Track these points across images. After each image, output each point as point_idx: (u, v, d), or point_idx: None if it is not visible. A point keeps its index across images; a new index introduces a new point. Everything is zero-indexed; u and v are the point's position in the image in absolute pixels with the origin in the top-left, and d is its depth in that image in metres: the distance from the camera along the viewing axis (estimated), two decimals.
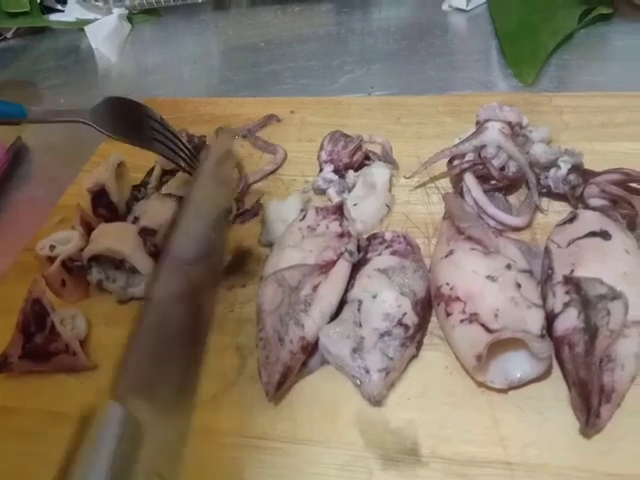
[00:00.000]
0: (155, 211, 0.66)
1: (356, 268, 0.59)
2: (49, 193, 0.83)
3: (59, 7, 1.31)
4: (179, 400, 0.47)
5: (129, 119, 0.67)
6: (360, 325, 0.54)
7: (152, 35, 1.25)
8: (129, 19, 1.26)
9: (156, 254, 0.63)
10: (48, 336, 0.57)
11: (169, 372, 0.47)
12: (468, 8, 1.10)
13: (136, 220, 0.67)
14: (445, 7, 1.13)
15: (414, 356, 0.54)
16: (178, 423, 0.46)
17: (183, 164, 0.69)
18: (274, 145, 0.83)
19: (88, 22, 1.24)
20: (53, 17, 1.30)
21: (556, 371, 0.51)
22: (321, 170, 0.74)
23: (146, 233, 0.63)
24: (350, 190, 0.72)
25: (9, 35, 1.30)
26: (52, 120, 0.67)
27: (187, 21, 1.26)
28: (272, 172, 0.79)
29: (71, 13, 1.29)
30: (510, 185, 0.68)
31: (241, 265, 0.66)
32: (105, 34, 1.20)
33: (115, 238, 0.63)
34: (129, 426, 0.37)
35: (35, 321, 0.58)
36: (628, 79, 0.87)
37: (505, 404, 0.50)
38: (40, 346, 0.57)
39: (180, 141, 0.71)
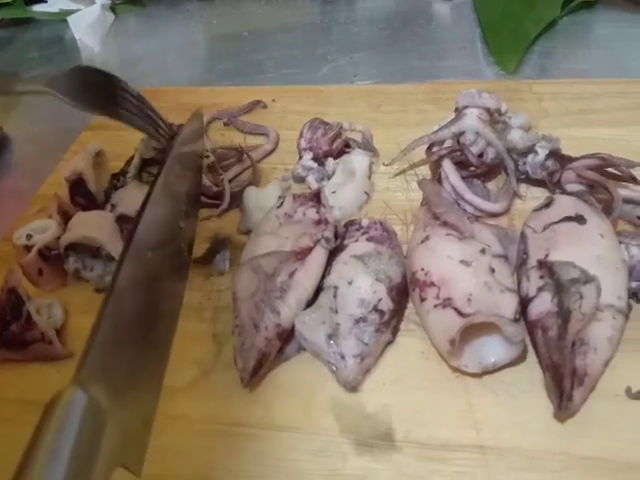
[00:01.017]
0: (132, 198, 0.65)
1: (333, 255, 0.58)
2: (31, 184, 0.82)
3: None
4: (142, 385, 0.47)
5: (97, 90, 0.64)
6: (336, 311, 0.54)
7: (136, 25, 1.25)
8: (112, 9, 1.25)
9: None
10: (24, 325, 0.57)
11: (131, 357, 0.47)
12: None
13: (113, 208, 0.67)
14: None
15: (390, 342, 0.54)
16: (142, 409, 0.46)
17: (154, 133, 0.68)
18: (264, 127, 0.83)
19: (71, 12, 1.23)
20: (36, 8, 1.29)
21: (531, 355, 0.51)
22: (300, 158, 0.73)
23: (123, 221, 0.63)
24: (329, 178, 0.71)
25: None
26: (11, 92, 0.63)
27: (171, 11, 1.25)
28: (271, 152, 0.79)
29: (54, 4, 1.28)
30: (489, 171, 0.68)
31: (220, 252, 0.66)
32: (88, 24, 1.19)
33: (92, 226, 0.63)
34: (92, 412, 0.37)
35: (11, 310, 0.57)
36: (611, 66, 0.87)
37: (480, 389, 0.50)
38: (16, 335, 0.57)
39: (154, 112, 0.69)
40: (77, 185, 0.69)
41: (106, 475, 0.36)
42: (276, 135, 0.81)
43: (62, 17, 1.24)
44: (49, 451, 0.34)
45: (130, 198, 0.66)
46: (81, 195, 0.69)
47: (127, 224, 0.63)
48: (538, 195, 0.65)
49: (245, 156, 0.75)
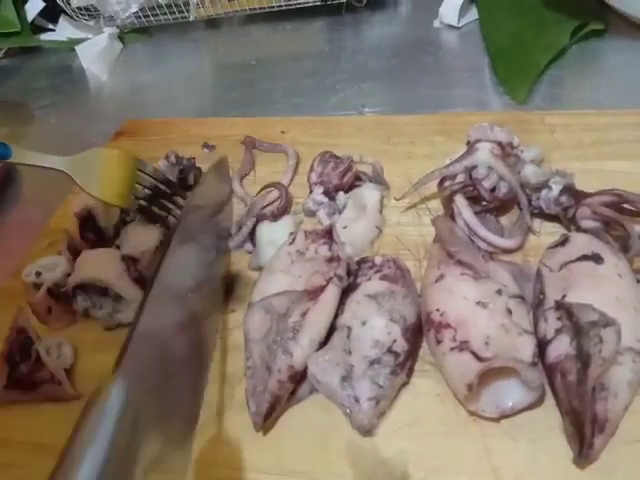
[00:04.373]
0: (137, 238, 0.65)
1: (346, 293, 0.58)
2: (39, 215, 0.82)
3: (50, 26, 1.30)
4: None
5: (112, 173, 0.65)
6: (349, 353, 0.53)
7: (143, 54, 1.25)
8: (120, 38, 1.26)
9: (140, 280, 0.62)
10: (33, 365, 0.57)
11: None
12: (460, 25, 1.10)
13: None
14: (437, 24, 1.12)
15: (405, 383, 0.54)
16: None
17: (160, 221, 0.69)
18: (280, 145, 0.84)
19: (79, 41, 1.23)
20: (44, 37, 1.30)
21: (549, 399, 0.50)
22: (311, 192, 0.73)
23: (129, 260, 0.63)
24: (341, 212, 0.71)
25: (0, 55, 1.30)
26: (32, 164, 0.63)
27: (179, 40, 1.26)
28: (296, 167, 0.80)
29: (62, 32, 1.29)
30: (501, 206, 0.67)
31: (230, 290, 0.65)
32: (96, 53, 1.19)
33: (98, 266, 0.62)
34: (131, 402, 0.38)
35: (20, 350, 0.57)
36: (621, 96, 0.86)
37: (497, 433, 0.49)
38: (25, 376, 0.56)
39: (171, 189, 0.71)
40: (87, 220, 0.69)
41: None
42: (294, 151, 0.82)
43: (70, 46, 1.25)
44: (89, 438, 0.36)
45: (135, 237, 0.65)
46: (91, 230, 0.69)
47: (133, 264, 0.62)
48: (552, 230, 0.64)
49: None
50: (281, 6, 1.17)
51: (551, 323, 0.51)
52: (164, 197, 0.70)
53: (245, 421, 0.53)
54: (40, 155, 0.63)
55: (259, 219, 0.70)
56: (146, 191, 0.67)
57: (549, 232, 0.64)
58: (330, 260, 0.59)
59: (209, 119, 0.95)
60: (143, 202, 0.67)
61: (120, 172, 0.65)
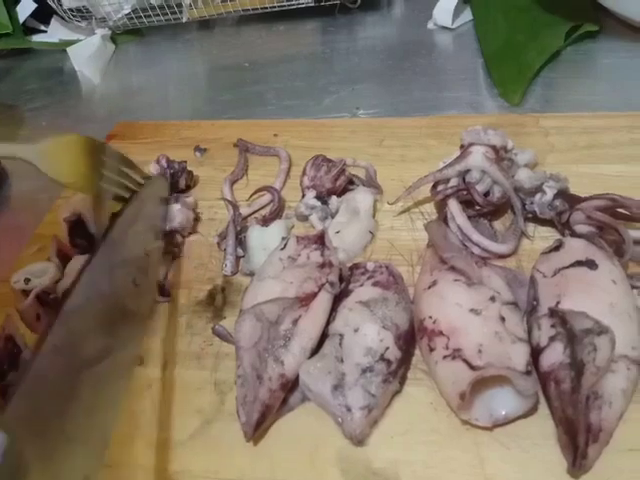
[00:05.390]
0: None
1: (338, 299, 0.57)
2: (29, 219, 0.81)
3: (42, 28, 1.29)
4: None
5: (83, 161, 0.64)
6: (341, 360, 0.52)
7: (136, 56, 1.24)
8: (112, 39, 1.24)
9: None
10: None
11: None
12: (454, 26, 1.09)
13: None
14: (430, 26, 1.12)
15: (397, 392, 0.53)
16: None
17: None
18: (273, 147, 0.83)
19: (71, 43, 1.22)
20: (36, 38, 1.28)
21: (543, 407, 0.50)
22: (303, 196, 0.72)
23: None
24: (333, 216, 0.70)
25: None
26: None
27: (171, 41, 1.24)
28: (289, 170, 0.80)
29: (54, 34, 1.27)
30: (495, 210, 0.66)
31: (221, 295, 0.65)
32: (88, 55, 1.18)
33: None
34: (11, 455, 0.35)
35: (8, 359, 0.56)
36: (615, 98, 0.85)
37: (490, 442, 0.49)
38: (13, 385, 0.55)
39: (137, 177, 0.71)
40: (76, 226, 0.68)
41: None
42: (287, 154, 0.81)
43: (62, 47, 1.23)
44: None
45: None
46: (81, 236, 0.68)
47: None
48: (546, 235, 0.64)
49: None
50: (274, 7, 1.16)
51: (545, 330, 0.51)
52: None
53: (235, 430, 0.52)
54: (2, 145, 0.62)
55: (242, 231, 0.70)
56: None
57: (543, 237, 0.64)
58: (322, 266, 0.59)
59: (201, 122, 0.93)
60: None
61: (84, 157, 0.65)
